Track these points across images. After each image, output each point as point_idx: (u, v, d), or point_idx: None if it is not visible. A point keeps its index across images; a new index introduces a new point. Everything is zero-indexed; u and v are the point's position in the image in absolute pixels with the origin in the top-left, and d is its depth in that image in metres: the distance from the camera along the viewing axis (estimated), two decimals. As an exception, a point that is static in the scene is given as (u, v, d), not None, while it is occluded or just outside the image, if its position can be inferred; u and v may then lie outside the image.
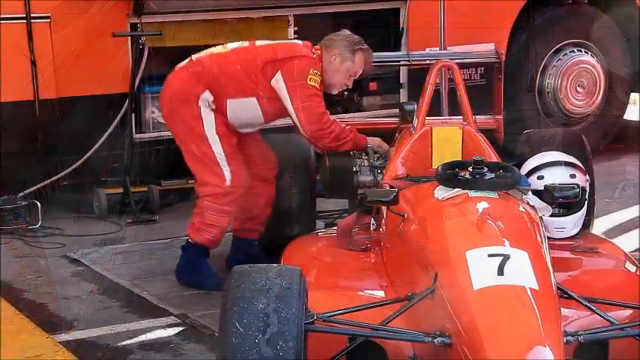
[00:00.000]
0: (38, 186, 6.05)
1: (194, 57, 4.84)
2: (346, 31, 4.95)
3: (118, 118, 6.12)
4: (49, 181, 6.09)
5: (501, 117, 5.57)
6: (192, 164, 4.79)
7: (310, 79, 4.67)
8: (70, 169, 6.12)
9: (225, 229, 4.83)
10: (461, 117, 4.74)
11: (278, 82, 4.68)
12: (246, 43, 4.91)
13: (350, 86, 4.98)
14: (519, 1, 7.09)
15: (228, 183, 4.71)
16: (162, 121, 6.13)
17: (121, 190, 6.14)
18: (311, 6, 6.54)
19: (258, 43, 4.89)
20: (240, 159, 4.79)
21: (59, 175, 6.11)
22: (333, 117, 4.86)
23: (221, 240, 4.88)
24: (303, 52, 4.75)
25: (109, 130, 6.11)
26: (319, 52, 4.81)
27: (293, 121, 4.76)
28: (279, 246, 4.29)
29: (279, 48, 4.82)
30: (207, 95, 4.70)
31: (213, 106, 4.71)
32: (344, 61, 4.80)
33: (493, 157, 4.40)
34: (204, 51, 4.90)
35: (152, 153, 6.25)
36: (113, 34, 5.97)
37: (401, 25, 6.78)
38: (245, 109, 4.74)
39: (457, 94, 4.77)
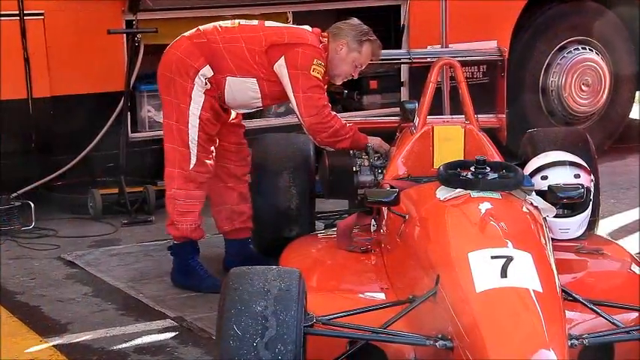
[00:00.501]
0: (32, 186, 6.04)
1: (201, 28, 4.83)
2: (355, 20, 4.93)
3: (113, 116, 6.11)
4: (42, 181, 6.08)
5: (504, 116, 5.57)
6: (166, 138, 4.80)
7: (314, 69, 4.66)
8: (64, 169, 6.11)
9: (199, 214, 4.82)
10: (463, 116, 4.74)
11: (281, 67, 4.67)
12: (254, 22, 4.90)
13: (355, 77, 4.97)
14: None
15: (191, 167, 4.71)
16: (158, 120, 6.16)
17: (116, 191, 6.13)
18: (310, 2, 6.54)
19: (267, 23, 4.89)
20: (209, 150, 4.79)
21: (53, 175, 6.11)
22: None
23: (202, 229, 4.87)
24: (310, 40, 4.74)
25: (104, 129, 6.10)
26: (326, 40, 4.80)
27: (293, 109, 4.76)
28: (278, 247, 4.28)
29: (287, 32, 4.81)
30: (206, 70, 4.68)
31: (208, 86, 4.69)
32: (351, 51, 4.79)
33: (496, 157, 4.40)
34: (211, 24, 4.88)
35: (148, 152, 6.24)
36: (108, 31, 5.95)
37: (402, 22, 6.77)
38: (244, 89, 4.74)
39: (459, 93, 4.76)
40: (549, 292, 3.13)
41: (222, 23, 4.88)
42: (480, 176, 3.63)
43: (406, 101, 5.68)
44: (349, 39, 4.78)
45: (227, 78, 4.71)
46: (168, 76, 4.76)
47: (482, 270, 3.15)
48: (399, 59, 6.21)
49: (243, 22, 4.89)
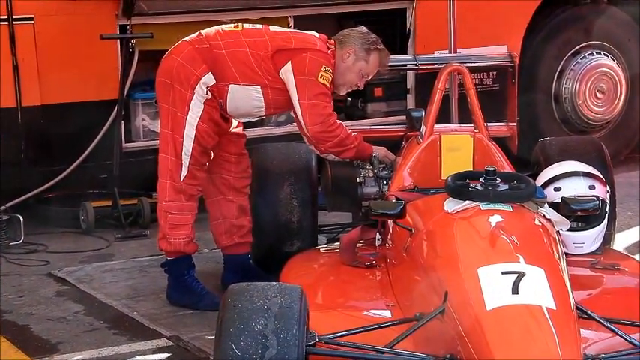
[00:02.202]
0: (21, 199, 6.04)
1: (203, 32, 4.84)
2: (363, 28, 4.94)
3: (107, 126, 6.12)
4: (32, 193, 6.09)
5: (515, 124, 5.58)
6: (160, 148, 4.81)
7: (321, 76, 4.67)
8: (55, 181, 6.11)
9: (191, 227, 4.83)
10: (472, 124, 4.74)
11: (287, 73, 4.68)
12: (259, 26, 4.91)
13: (361, 87, 4.98)
14: (534, 0, 7.10)
15: (182, 179, 4.72)
16: (153, 129, 6.17)
17: (109, 203, 6.14)
18: (312, 6, 6.56)
19: (272, 28, 4.90)
20: (203, 162, 4.80)
21: (43, 187, 6.11)
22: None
23: (195, 242, 4.87)
24: (318, 45, 4.75)
25: (97, 138, 6.11)
26: (334, 47, 4.81)
27: (296, 118, 4.76)
28: (278, 262, 4.28)
29: (294, 37, 4.83)
30: (208, 78, 4.69)
31: (209, 96, 4.70)
32: (358, 60, 4.80)
33: (506, 168, 4.40)
34: (213, 28, 4.89)
35: (143, 163, 6.24)
36: (101, 36, 5.97)
37: (408, 27, 6.79)
38: (247, 98, 4.74)
39: (468, 100, 4.77)
40: (563, 310, 3.13)
41: (224, 27, 4.89)
42: (489, 188, 3.63)
43: (412, 109, 5.69)
44: (357, 47, 4.79)
45: (229, 86, 4.72)
46: (167, 83, 4.77)
47: (493, 286, 3.15)
48: (405, 65, 6.23)
49: (247, 25, 4.90)
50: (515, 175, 3.81)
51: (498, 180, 3.66)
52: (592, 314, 3.37)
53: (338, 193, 4.95)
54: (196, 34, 4.84)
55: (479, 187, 3.65)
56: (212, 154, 4.88)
